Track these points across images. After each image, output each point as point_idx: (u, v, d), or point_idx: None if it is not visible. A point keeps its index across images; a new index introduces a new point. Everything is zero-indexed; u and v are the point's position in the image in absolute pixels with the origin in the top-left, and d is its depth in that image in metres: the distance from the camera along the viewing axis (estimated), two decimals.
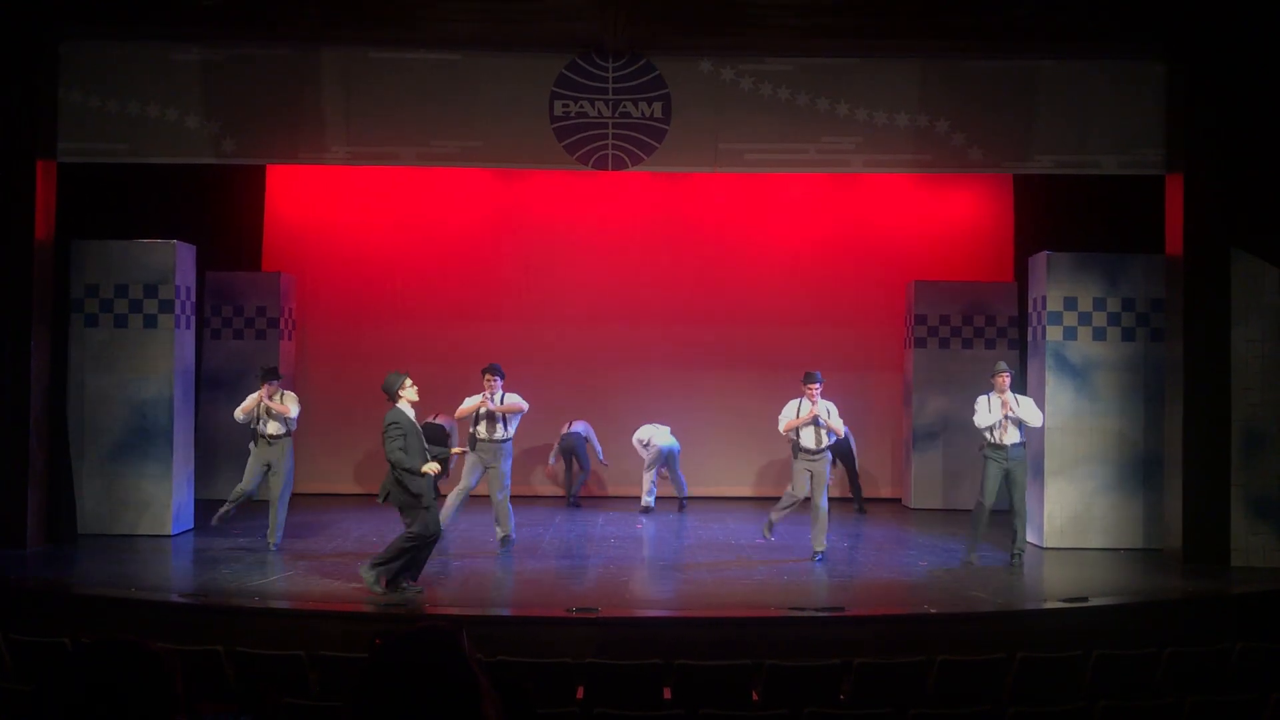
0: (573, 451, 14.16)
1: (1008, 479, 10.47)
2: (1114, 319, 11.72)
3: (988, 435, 10.49)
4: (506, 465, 10.97)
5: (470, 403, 10.93)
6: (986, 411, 10.44)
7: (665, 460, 13.61)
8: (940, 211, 15.13)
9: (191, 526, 12.01)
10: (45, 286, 11.04)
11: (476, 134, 11.11)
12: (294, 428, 11.12)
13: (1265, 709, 5.70)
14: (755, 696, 6.69)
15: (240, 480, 11.20)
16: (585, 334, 14.77)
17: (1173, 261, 10.98)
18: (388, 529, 12.30)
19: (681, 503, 13.81)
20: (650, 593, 9.46)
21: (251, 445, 11.10)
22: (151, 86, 10.95)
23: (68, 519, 11.17)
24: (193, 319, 12.31)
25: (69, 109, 10.93)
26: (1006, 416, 10.37)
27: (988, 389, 10.56)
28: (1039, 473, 11.74)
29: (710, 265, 15.05)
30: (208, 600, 9.02)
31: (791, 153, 11.27)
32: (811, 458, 10.67)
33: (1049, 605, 9.49)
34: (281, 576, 9.91)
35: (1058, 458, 11.63)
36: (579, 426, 14.20)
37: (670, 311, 14.97)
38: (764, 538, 11.18)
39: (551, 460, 14.45)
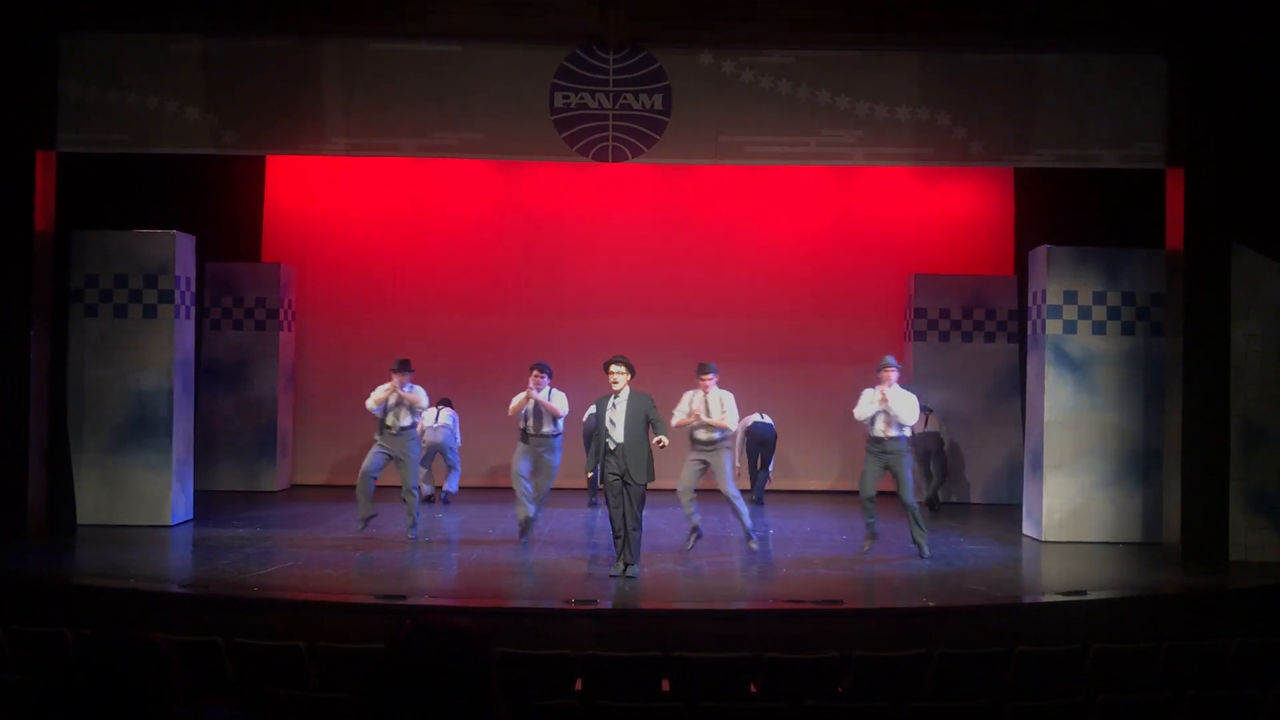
0: (762, 443, 13.77)
1: (892, 472, 10.44)
2: (1114, 313, 11.71)
3: (868, 429, 10.47)
4: (556, 459, 11.04)
5: (517, 400, 10.96)
6: (867, 404, 10.44)
7: (439, 451, 13.49)
8: (941, 205, 15.12)
9: (191, 517, 12.01)
10: (45, 277, 11.03)
11: (477, 125, 11.09)
12: (420, 419, 11.45)
13: (1263, 704, 5.70)
14: (754, 689, 6.69)
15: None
16: (584, 326, 14.74)
17: (1173, 256, 10.97)
18: (388, 521, 12.32)
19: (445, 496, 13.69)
20: (649, 585, 9.46)
21: (376, 436, 11.24)
22: (151, 77, 10.93)
23: (67, 510, 11.18)
24: (192, 309, 12.31)
25: (68, 100, 10.91)
26: (884, 410, 10.33)
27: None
28: (1038, 466, 11.75)
29: (710, 258, 15.04)
30: (207, 591, 9.03)
31: (792, 145, 11.26)
32: (705, 449, 10.53)
33: (1047, 599, 9.52)
34: (281, 567, 9.91)
35: (1057, 451, 11.63)
36: (768, 418, 13.81)
37: (669, 304, 14.95)
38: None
39: (735, 455, 14.07)
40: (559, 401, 10.99)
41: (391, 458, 11.12)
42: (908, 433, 10.55)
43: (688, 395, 10.65)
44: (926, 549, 10.49)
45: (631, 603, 8.92)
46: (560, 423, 11.03)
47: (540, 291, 15.00)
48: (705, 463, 10.51)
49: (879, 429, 10.39)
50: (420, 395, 11.22)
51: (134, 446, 11.60)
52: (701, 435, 10.53)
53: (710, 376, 10.59)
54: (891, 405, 10.33)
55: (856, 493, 14.06)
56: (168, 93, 10.92)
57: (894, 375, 10.43)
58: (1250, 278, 10.70)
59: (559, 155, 11.31)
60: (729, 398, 10.57)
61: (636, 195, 15.08)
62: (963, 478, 14.40)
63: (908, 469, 10.51)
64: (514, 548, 10.94)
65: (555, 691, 6.13)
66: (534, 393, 10.83)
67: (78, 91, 10.91)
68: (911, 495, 10.48)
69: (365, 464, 11.18)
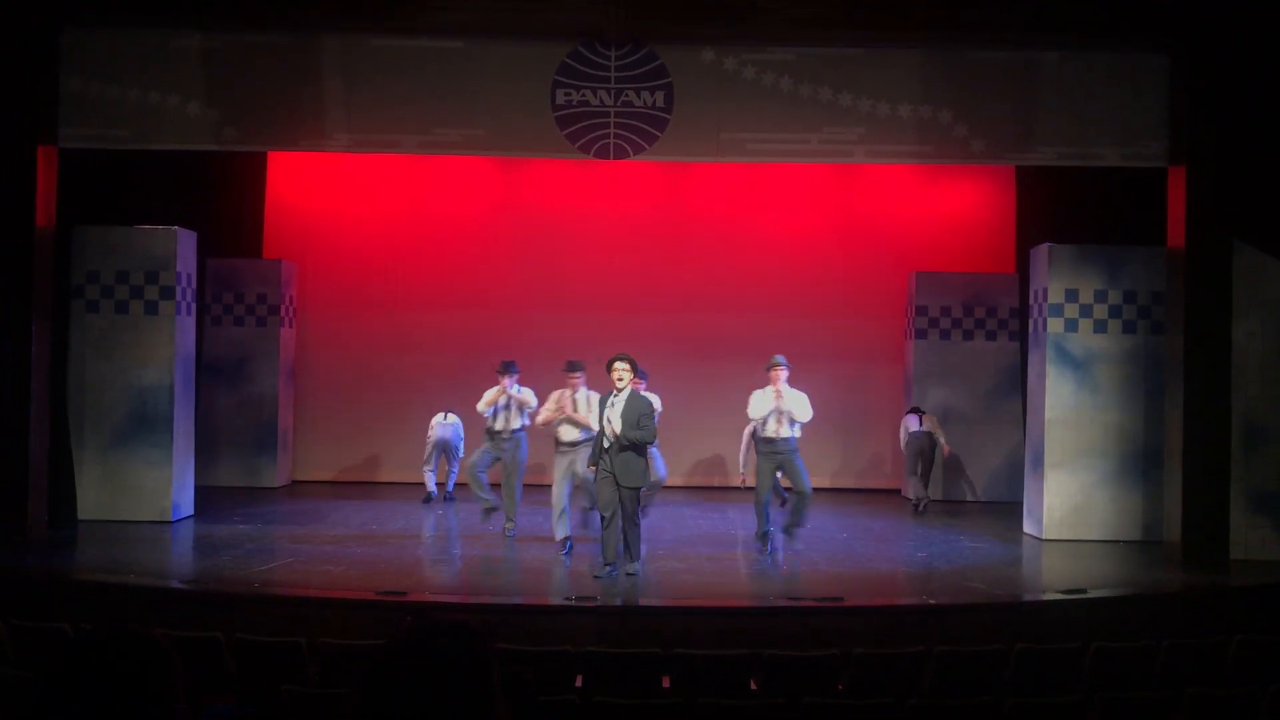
0: None
1: (784, 470, 10.39)
2: (1115, 311, 11.71)
3: (759, 429, 10.42)
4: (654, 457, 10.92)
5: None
6: (760, 404, 10.38)
7: (444, 450, 13.54)
8: (942, 203, 15.12)
9: (191, 513, 12.01)
10: (46, 273, 11.02)
11: (478, 122, 11.08)
12: (528, 422, 11.13)
13: (1263, 702, 5.70)
14: (754, 686, 6.70)
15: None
16: (585, 323, 14.74)
17: (1174, 254, 10.96)
18: (388, 517, 12.36)
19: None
20: (649, 582, 9.47)
21: (485, 441, 11.29)
22: (152, 73, 10.92)
23: (68, 505, 11.18)
24: (194, 306, 12.31)
25: (70, 95, 10.90)
26: (778, 409, 10.29)
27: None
28: (1039, 464, 11.75)
29: (711, 255, 15.04)
30: (207, 587, 9.03)
31: (793, 143, 11.25)
32: (568, 449, 10.53)
33: (1048, 597, 9.52)
34: (281, 564, 9.92)
35: (1058, 450, 11.63)
36: None
37: (670, 301, 14.96)
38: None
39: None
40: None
41: (498, 459, 11.21)
42: (799, 432, 10.49)
43: (555, 394, 10.62)
44: (795, 540, 10.56)
45: (632, 600, 8.92)
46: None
47: (542, 289, 14.99)
48: (570, 461, 10.48)
49: (771, 428, 10.35)
50: (529, 395, 11.14)
51: (135, 442, 11.61)
52: (565, 435, 10.52)
53: (579, 375, 10.58)
54: (785, 403, 10.30)
55: (858, 489, 14.23)
56: (169, 88, 10.91)
57: (784, 374, 10.39)
58: (1251, 276, 10.70)
59: (560, 152, 11.30)
60: (595, 398, 10.41)
61: (638, 193, 15.08)
62: (963, 476, 14.40)
63: (799, 462, 10.45)
64: (515, 544, 10.94)
65: (556, 688, 6.14)
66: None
67: (79, 87, 10.90)
68: (808, 485, 10.45)
69: (473, 458, 11.32)
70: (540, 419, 10.66)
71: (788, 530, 10.63)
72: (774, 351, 14.63)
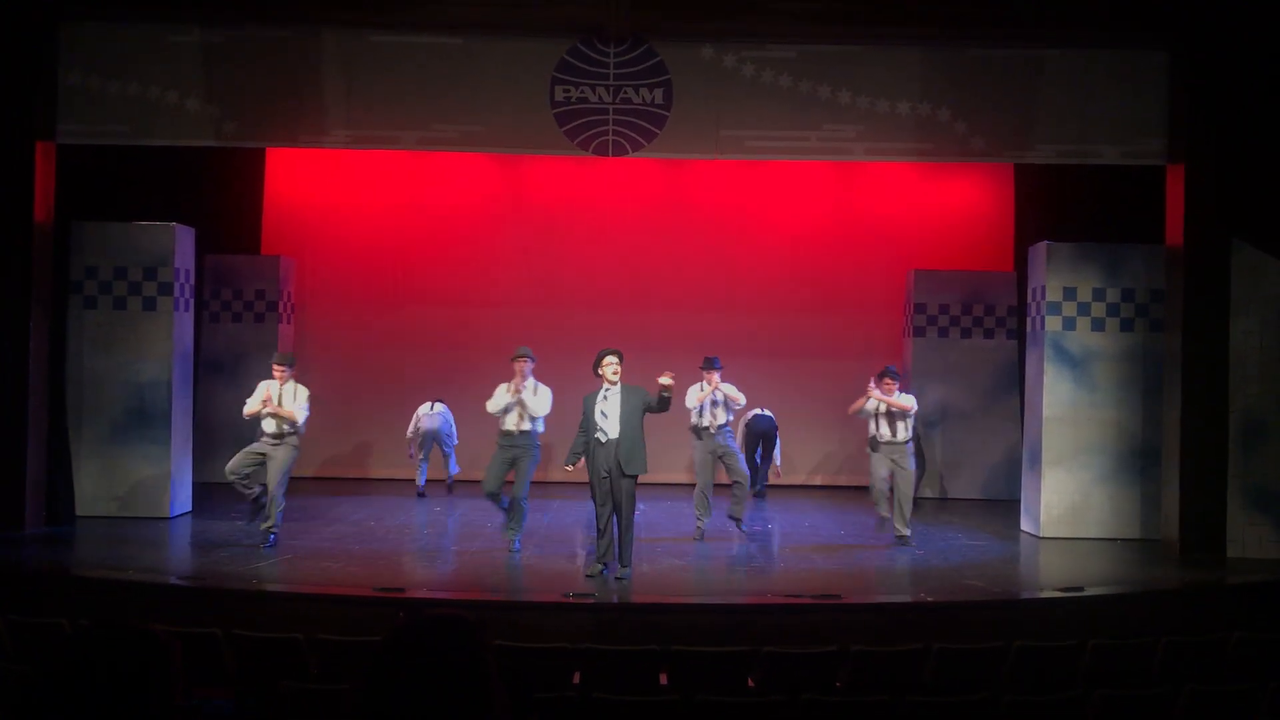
0: (762, 437, 13.72)
1: (515, 465, 10.14)
2: (1113, 309, 11.71)
3: (500, 423, 10.20)
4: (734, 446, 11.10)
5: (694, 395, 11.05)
6: (499, 397, 10.18)
7: (436, 440, 13.53)
8: (941, 200, 15.12)
9: (189, 509, 12.01)
10: (44, 268, 11.01)
11: (477, 119, 11.08)
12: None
13: (1261, 699, 5.71)
14: (751, 683, 6.70)
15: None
16: (583, 320, 14.74)
17: (1173, 252, 10.97)
18: (386, 514, 12.35)
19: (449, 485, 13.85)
20: (648, 579, 9.47)
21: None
22: (151, 68, 10.91)
23: (66, 500, 11.18)
24: (192, 302, 12.30)
25: (68, 90, 10.89)
26: (520, 402, 10.09)
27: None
28: (1036, 462, 11.75)
29: (710, 252, 15.03)
30: (206, 583, 9.03)
31: (793, 140, 11.25)
32: (269, 440, 10.25)
33: (1045, 594, 9.52)
34: (279, 560, 9.92)
35: (1055, 448, 11.63)
36: (769, 411, 13.75)
37: (668, 298, 14.96)
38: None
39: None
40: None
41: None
42: (541, 427, 10.29)
43: (262, 385, 10.34)
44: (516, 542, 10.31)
45: (629, 597, 8.93)
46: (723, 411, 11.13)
47: (540, 285, 14.99)
48: (262, 454, 10.22)
49: (511, 423, 10.11)
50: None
51: (133, 438, 11.60)
52: (270, 427, 10.22)
53: (284, 369, 10.28)
54: (526, 396, 10.10)
55: (856, 487, 14.18)
56: (168, 84, 10.89)
57: (528, 366, 10.20)
58: (1250, 274, 10.70)
59: (559, 149, 11.30)
60: (303, 392, 10.28)
61: (637, 189, 15.07)
62: (961, 473, 14.41)
63: (529, 462, 10.21)
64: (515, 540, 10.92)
65: (553, 684, 6.14)
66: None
67: (78, 82, 10.88)
68: (525, 490, 10.20)
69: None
70: (246, 410, 10.29)
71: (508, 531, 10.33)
72: (772, 346, 14.74)
